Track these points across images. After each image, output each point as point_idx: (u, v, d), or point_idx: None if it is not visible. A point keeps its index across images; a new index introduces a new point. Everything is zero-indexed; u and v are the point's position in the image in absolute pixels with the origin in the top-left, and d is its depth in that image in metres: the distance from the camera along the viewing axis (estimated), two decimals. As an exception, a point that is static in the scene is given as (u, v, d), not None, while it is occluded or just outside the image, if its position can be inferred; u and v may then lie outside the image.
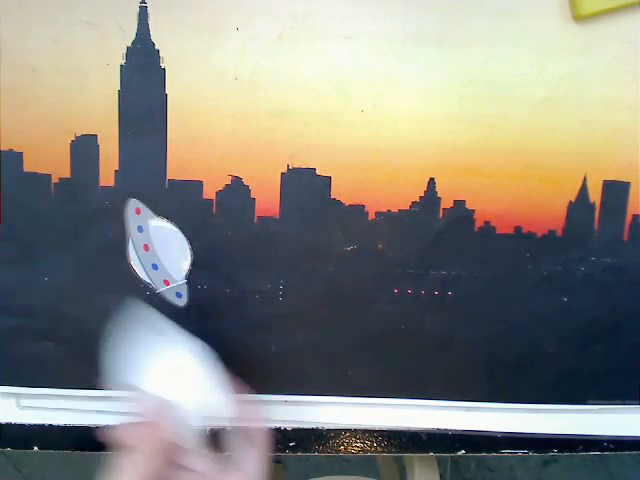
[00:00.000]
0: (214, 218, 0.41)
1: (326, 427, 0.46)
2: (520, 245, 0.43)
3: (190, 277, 0.42)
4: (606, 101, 0.41)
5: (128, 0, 0.38)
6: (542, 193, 0.42)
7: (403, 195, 0.42)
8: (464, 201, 0.42)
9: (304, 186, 0.41)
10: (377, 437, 0.46)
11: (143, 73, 0.39)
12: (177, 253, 0.41)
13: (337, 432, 0.46)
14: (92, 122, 0.40)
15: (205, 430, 0.44)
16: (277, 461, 1.13)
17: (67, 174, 0.40)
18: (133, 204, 0.39)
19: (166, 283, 0.40)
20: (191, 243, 0.41)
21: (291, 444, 0.46)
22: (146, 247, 0.40)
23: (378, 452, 0.46)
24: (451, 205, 0.42)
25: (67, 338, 0.42)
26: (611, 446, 0.47)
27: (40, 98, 0.39)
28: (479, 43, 0.40)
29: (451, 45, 0.40)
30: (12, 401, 0.44)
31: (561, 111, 0.41)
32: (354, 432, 0.46)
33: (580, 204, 0.42)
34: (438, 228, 0.42)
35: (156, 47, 0.39)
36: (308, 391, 0.44)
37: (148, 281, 0.40)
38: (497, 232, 0.42)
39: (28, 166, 0.40)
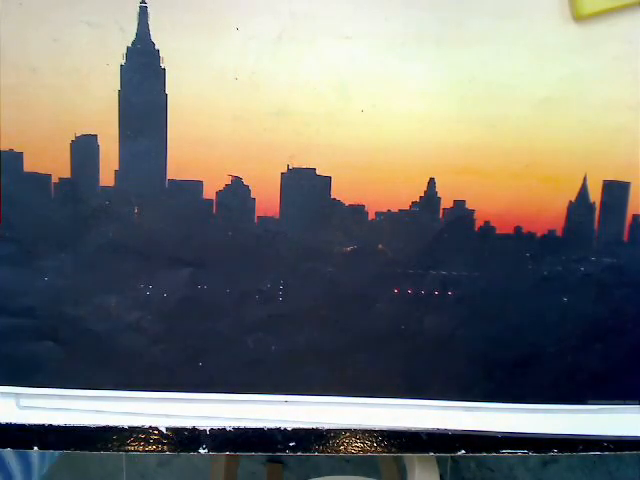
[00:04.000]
0: (214, 218, 0.41)
1: (326, 427, 0.46)
2: (520, 245, 0.43)
3: (190, 277, 0.42)
4: (606, 101, 0.41)
5: (128, 0, 0.38)
6: (542, 193, 0.42)
7: (403, 195, 0.42)
8: (464, 201, 0.42)
9: (304, 186, 0.41)
10: (377, 437, 0.46)
11: (143, 73, 0.39)
12: None
13: (337, 432, 0.46)
14: (92, 122, 0.40)
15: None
16: (277, 461, 1.13)
17: (67, 174, 0.40)
18: None
19: None
20: (191, 243, 0.41)
21: (291, 444, 0.46)
22: None
23: (378, 452, 0.46)
24: (451, 205, 0.42)
25: (67, 338, 0.42)
26: (611, 446, 0.47)
27: (40, 98, 0.39)
28: (479, 43, 0.40)
29: (451, 45, 0.40)
30: (12, 401, 0.44)
31: (561, 111, 0.41)
32: (354, 432, 0.46)
33: (580, 204, 0.42)
34: (438, 228, 0.42)
35: (156, 47, 0.39)
36: (308, 391, 0.44)
37: None
38: (497, 232, 0.42)
39: (28, 166, 0.40)
